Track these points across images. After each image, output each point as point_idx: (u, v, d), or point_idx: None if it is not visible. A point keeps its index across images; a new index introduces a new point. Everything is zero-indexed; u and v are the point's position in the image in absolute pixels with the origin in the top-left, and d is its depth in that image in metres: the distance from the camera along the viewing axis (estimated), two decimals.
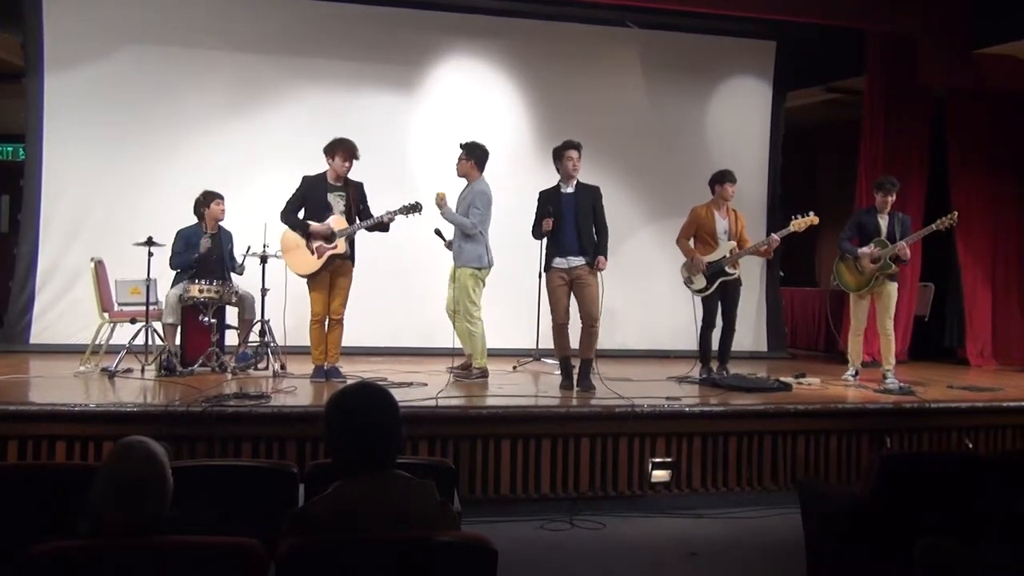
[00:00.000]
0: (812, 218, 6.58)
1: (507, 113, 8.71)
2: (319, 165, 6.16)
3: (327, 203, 6.01)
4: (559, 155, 6.14)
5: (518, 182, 7.47)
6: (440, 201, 6.22)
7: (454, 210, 6.33)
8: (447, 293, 6.71)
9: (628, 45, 9.01)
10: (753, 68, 9.33)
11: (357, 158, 6.05)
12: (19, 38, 7.84)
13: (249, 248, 6.55)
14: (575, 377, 6.01)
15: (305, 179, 6.09)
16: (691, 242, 6.73)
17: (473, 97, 8.61)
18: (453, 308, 6.53)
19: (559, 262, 6.04)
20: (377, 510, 2.21)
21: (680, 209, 7.64)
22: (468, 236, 6.23)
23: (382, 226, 6.06)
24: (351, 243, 6.06)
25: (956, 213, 6.69)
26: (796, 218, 6.61)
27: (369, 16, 8.37)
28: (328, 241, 5.91)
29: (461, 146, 6.41)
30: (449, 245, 6.52)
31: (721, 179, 6.68)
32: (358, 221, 6.05)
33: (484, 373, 6.34)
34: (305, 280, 6.06)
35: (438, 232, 6.58)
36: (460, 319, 6.40)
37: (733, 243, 6.63)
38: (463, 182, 6.41)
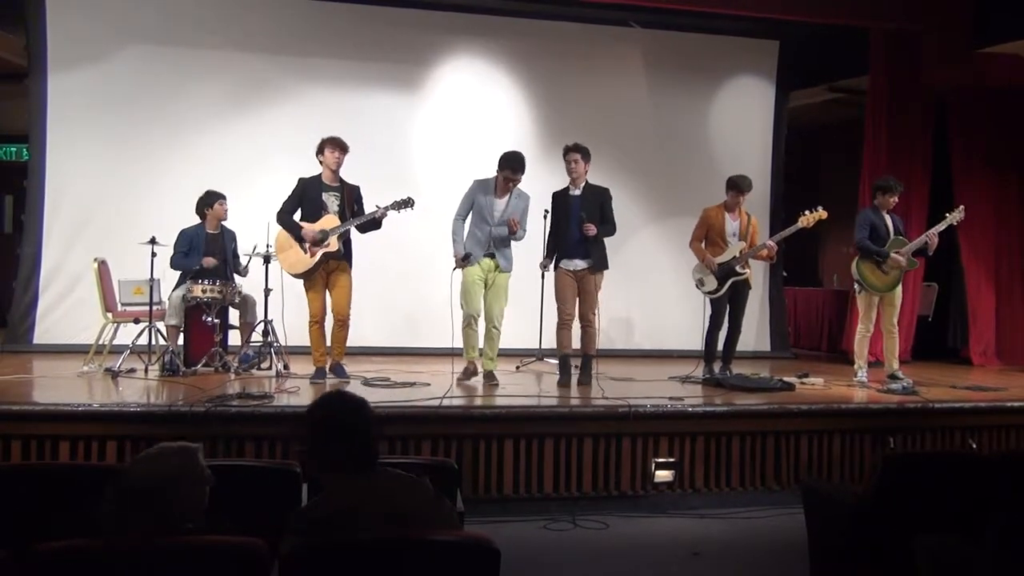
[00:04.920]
0: (820, 212, 6.54)
1: (509, 113, 8.70)
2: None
3: (322, 203, 6.01)
4: (564, 157, 6.22)
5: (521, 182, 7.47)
6: (515, 227, 5.92)
7: (508, 213, 6.02)
8: (477, 304, 6.08)
9: (631, 45, 9.01)
10: (756, 68, 9.32)
11: (347, 149, 6.03)
12: (22, 39, 7.86)
13: (255, 247, 6.45)
14: (575, 374, 6.13)
15: (301, 180, 6.09)
16: (702, 244, 6.71)
17: (476, 97, 8.61)
18: (479, 314, 6.15)
19: (565, 263, 6.13)
20: (376, 508, 2.26)
21: (683, 208, 7.64)
22: (509, 243, 6.11)
23: (374, 223, 6.02)
24: (347, 243, 6.06)
25: (963, 206, 6.70)
26: (804, 214, 6.58)
27: (372, 15, 8.37)
28: (319, 242, 5.91)
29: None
30: (463, 266, 6.07)
31: (731, 185, 6.63)
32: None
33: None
34: (302, 281, 6.05)
35: (469, 256, 6.02)
36: (490, 324, 6.13)
37: (743, 244, 6.59)
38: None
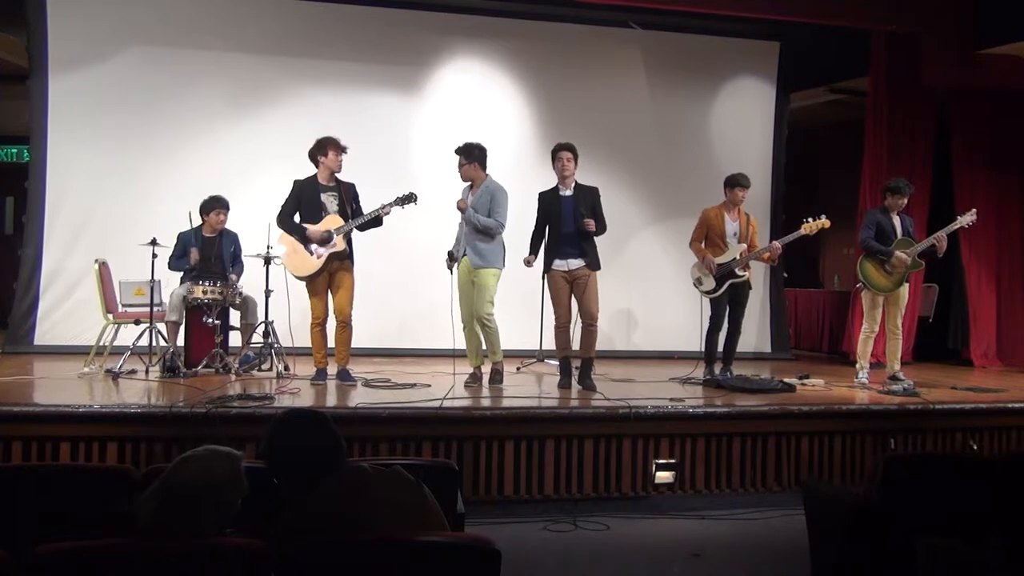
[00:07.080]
0: (824, 221, 6.51)
1: (510, 114, 8.71)
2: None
3: (321, 203, 5.98)
4: (553, 156, 6.21)
5: (521, 183, 7.45)
6: (463, 206, 5.99)
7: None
8: (464, 306, 6.13)
9: (631, 46, 9.01)
10: (757, 69, 9.33)
11: (346, 151, 6.02)
12: (23, 40, 7.86)
13: (260, 255, 6.44)
14: (575, 376, 6.09)
15: (296, 183, 6.04)
16: (702, 244, 6.71)
17: (476, 98, 8.61)
18: (469, 315, 6.15)
19: (559, 264, 6.10)
20: (363, 503, 2.28)
21: (683, 210, 7.62)
22: (489, 237, 6.02)
23: (376, 221, 5.99)
24: (349, 242, 6.04)
25: (975, 210, 6.72)
26: (807, 221, 6.57)
27: (372, 17, 8.38)
28: (325, 242, 5.91)
29: (458, 152, 6.10)
30: (452, 266, 6.16)
31: (731, 183, 6.65)
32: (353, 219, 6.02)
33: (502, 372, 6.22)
34: (305, 283, 6.04)
35: (452, 255, 6.14)
36: (475, 324, 6.12)
37: (743, 245, 6.58)
38: (462, 184, 6.24)
